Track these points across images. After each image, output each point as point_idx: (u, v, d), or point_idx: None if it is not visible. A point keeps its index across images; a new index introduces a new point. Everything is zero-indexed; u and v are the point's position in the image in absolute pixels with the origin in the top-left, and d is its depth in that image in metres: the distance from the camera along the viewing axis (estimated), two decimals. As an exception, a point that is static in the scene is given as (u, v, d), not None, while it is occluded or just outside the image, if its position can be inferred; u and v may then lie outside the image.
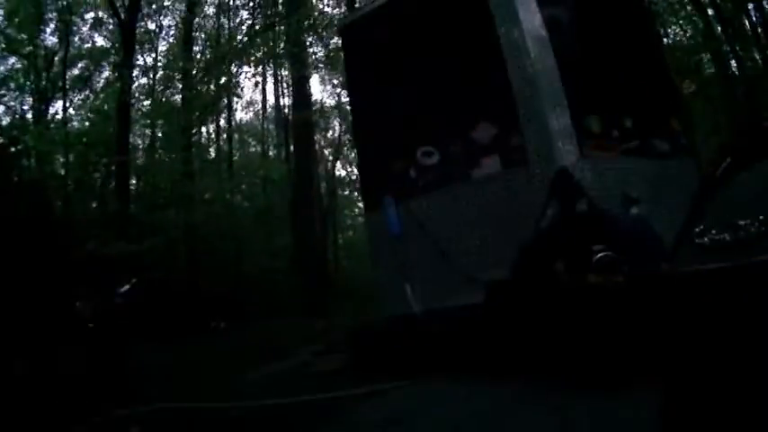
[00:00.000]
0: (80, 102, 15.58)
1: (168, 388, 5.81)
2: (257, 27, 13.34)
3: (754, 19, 11.62)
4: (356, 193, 18.29)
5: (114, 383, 6.18)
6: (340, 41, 9.25)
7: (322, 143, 17.67)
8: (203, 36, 15.73)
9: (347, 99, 17.02)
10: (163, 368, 6.93)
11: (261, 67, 14.90)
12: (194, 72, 13.44)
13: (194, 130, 14.20)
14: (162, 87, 14.96)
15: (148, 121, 15.39)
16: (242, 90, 15.19)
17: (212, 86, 13.32)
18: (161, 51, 15.98)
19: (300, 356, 6.89)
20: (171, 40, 15.84)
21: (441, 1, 5.56)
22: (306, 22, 12.25)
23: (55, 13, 14.41)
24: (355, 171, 16.59)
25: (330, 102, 17.61)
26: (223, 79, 13.78)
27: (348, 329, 6.86)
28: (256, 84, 15.49)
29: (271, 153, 18.42)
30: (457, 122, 5.34)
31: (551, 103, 4.71)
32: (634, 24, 5.96)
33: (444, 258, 5.32)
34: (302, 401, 4.67)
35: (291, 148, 14.48)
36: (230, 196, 14.18)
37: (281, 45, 13.06)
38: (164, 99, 14.91)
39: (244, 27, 14.01)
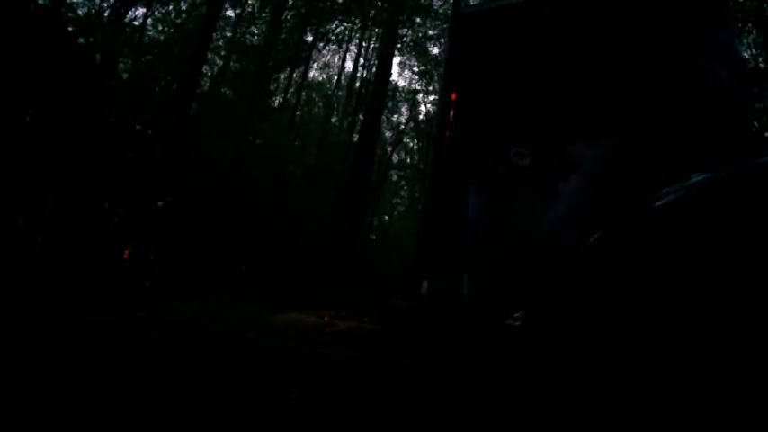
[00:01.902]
0: (161, 15, 15.30)
1: (185, 308, 5.50)
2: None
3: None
4: (403, 182, 18.12)
5: (131, 286, 5.92)
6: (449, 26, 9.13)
7: (384, 125, 17.44)
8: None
9: (421, 88, 16.96)
10: (183, 289, 6.64)
11: (351, 33, 14.70)
12: (287, 17, 13.18)
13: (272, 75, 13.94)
14: (246, 24, 14.69)
15: (222, 54, 15.11)
16: (326, 49, 14.94)
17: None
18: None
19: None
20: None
21: (568, 21, 5.56)
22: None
23: None
24: (409, 159, 16.34)
25: (402, 84, 17.41)
26: (310, 38, 13.47)
27: (382, 307, 6.57)
28: (340, 45, 15.24)
29: (333, 119, 18.17)
30: (556, 134, 5.34)
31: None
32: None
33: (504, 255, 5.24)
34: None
35: (360, 116, 14.23)
36: (284, 149, 13.87)
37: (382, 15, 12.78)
38: (244, 36, 14.64)
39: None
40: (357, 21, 13.58)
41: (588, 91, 5.10)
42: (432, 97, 16.28)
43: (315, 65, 18.28)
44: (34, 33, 6.37)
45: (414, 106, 17.20)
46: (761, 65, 11.70)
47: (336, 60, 19.04)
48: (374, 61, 15.97)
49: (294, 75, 16.29)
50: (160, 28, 15.36)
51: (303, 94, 17.44)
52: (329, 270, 10.82)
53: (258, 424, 2.46)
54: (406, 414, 2.79)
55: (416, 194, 18.24)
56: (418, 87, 16.85)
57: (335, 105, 18.45)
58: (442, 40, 13.49)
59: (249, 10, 14.93)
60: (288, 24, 13.90)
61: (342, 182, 13.32)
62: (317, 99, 19.24)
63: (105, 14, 14.24)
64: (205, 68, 15.02)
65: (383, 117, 16.20)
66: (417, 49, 15.10)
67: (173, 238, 8.18)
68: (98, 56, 12.27)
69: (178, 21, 14.71)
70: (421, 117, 17.86)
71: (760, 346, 0.91)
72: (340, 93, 18.74)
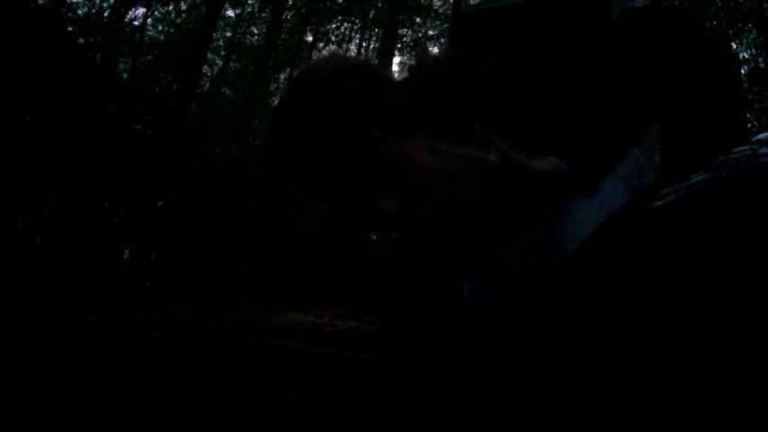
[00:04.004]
0: (161, 15, 15.32)
1: (185, 308, 5.50)
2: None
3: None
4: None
5: (131, 286, 5.90)
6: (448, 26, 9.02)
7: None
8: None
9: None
10: (183, 289, 6.63)
11: (351, 33, 14.72)
12: (287, 17, 13.20)
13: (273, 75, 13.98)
14: (246, 24, 14.72)
15: (222, 54, 15.15)
16: (326, 49, 14.95)
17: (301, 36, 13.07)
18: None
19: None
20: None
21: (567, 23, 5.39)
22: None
23: None
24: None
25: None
26: (310, 38, 13.49)
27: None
28: (340, 45, 15.25)
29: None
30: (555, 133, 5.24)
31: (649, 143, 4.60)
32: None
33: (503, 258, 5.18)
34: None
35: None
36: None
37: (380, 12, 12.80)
38: (244, 36, 14.69)
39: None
40: (357, 21, 13.60)
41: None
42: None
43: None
44: (34, 33, 6.37)
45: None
46: (761, 65, 11.70)
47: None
48: (374, 61, 15.94)
49: (294, 75, 16.22)
50: (160, 28, 15.40)
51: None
52: (329, 270, 10.82)
53: (258, 424, 2.45)
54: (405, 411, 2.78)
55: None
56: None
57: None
58: (442, 40, 13.49)
59: (249, 10, 14.96)
60: (288, 24, 13.92)
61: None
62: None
63: (105, 14, 14.26)
64: (205, 68, 15.04)
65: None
66: (417, 49, 15.09)
67: (173, 237, 8.18)
68: (98, 56, 12.29)
69: (178, 21, 14.75)
70: (421, 117, 17.76)
71: (759, 350, 0.90)
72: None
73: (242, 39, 14.82)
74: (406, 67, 1.32)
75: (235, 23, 15.21)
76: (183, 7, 15.05)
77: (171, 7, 14.98)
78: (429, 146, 1.17)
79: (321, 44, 14.66)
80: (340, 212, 1.27)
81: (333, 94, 1.11)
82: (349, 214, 1.27)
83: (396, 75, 1.32)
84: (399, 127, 1.13)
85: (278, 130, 1.17)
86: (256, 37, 14.45)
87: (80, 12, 13.07)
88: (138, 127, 10.35)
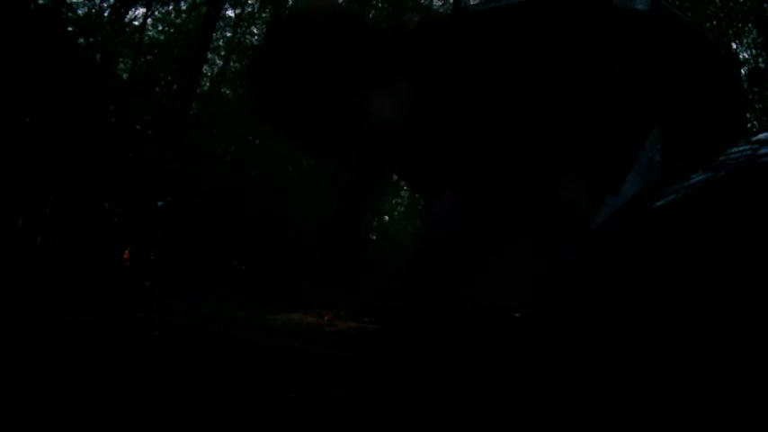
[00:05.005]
0: (161, 15, 15.35)
1: (185, 308, 5.50)
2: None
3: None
4: (403, 181, 18.09)
5: (131, 286, 5.91)
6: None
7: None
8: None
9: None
10: (183, 289, 6.63)
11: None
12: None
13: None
14: (246, 24, 14.75)
15: (222, 54, 15.16)
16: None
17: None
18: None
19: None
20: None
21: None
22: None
23: None
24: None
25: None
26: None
27: (382, 307, 6.56)
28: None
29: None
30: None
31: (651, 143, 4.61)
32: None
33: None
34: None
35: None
36: (283, 149, 13.90)
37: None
38: (244, 36, 14.71)
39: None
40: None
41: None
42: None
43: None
44: (34, 33, 6.37)
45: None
46: (761, 65, 11.71)
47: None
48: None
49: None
50: (160, 28, 15.41)
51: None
52: (329, 270, 10.80)
53: (258, 424, 2.45)
54: (407, 411, 2.78)
55: (416, 194, 18.19)
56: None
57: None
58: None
59: (249, 10, 14.97)
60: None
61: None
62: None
63: (105, 14, 14.26)
64: (205, 68, 15.03)
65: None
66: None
67: (173, 237, 8.18)
68: (98, 56, 12.28)
69: (178, 21, 14.76)
70: (421, 117, 17.71)
71: (759, 350, 0.88)
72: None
73: (242, 39, 14.82)
74: None
75: (235, 23, 15.20)
76: (183, 7, 15.09)
77: (171, 7, 15.02)
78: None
79: (321, 44, 14.66)
80: (312, 154, 1.29)
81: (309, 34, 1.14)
82: (320, 153, 1.29)
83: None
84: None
85: (254, 69, 1.20)
86: (256, 37, 14.45)
87: (80, 12, 13.08)
88: (138, 127, 10.36)
